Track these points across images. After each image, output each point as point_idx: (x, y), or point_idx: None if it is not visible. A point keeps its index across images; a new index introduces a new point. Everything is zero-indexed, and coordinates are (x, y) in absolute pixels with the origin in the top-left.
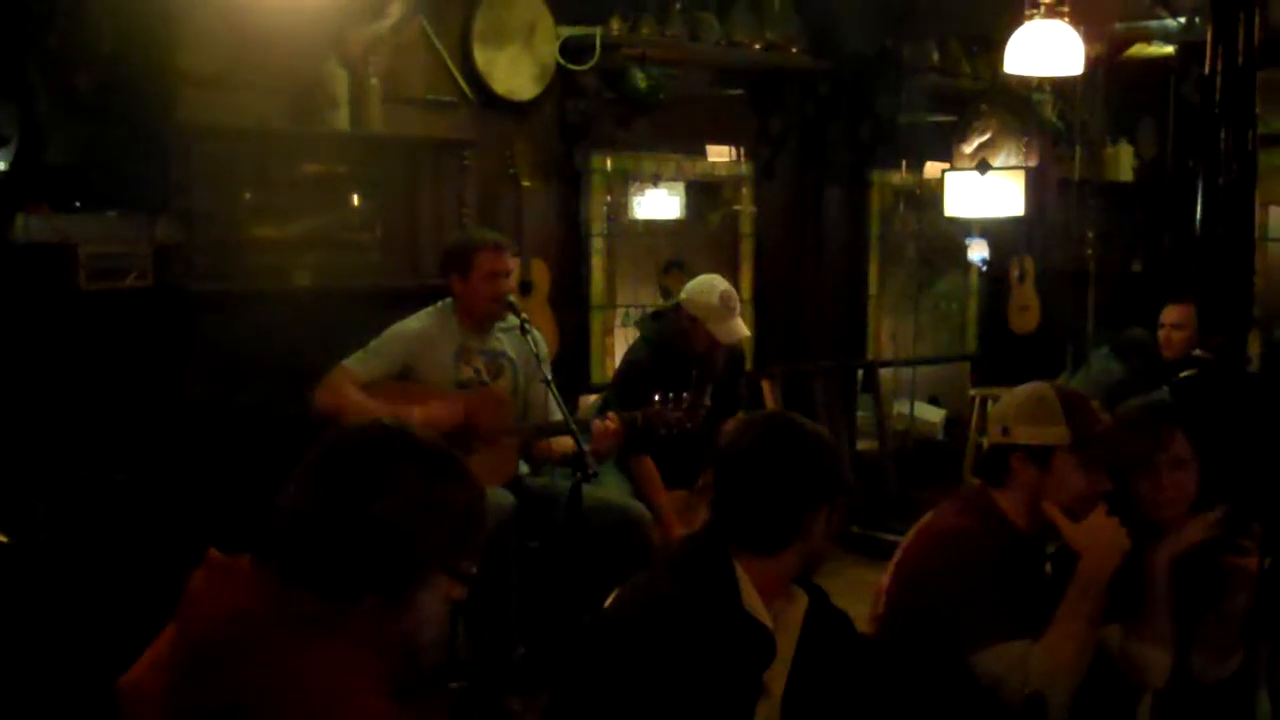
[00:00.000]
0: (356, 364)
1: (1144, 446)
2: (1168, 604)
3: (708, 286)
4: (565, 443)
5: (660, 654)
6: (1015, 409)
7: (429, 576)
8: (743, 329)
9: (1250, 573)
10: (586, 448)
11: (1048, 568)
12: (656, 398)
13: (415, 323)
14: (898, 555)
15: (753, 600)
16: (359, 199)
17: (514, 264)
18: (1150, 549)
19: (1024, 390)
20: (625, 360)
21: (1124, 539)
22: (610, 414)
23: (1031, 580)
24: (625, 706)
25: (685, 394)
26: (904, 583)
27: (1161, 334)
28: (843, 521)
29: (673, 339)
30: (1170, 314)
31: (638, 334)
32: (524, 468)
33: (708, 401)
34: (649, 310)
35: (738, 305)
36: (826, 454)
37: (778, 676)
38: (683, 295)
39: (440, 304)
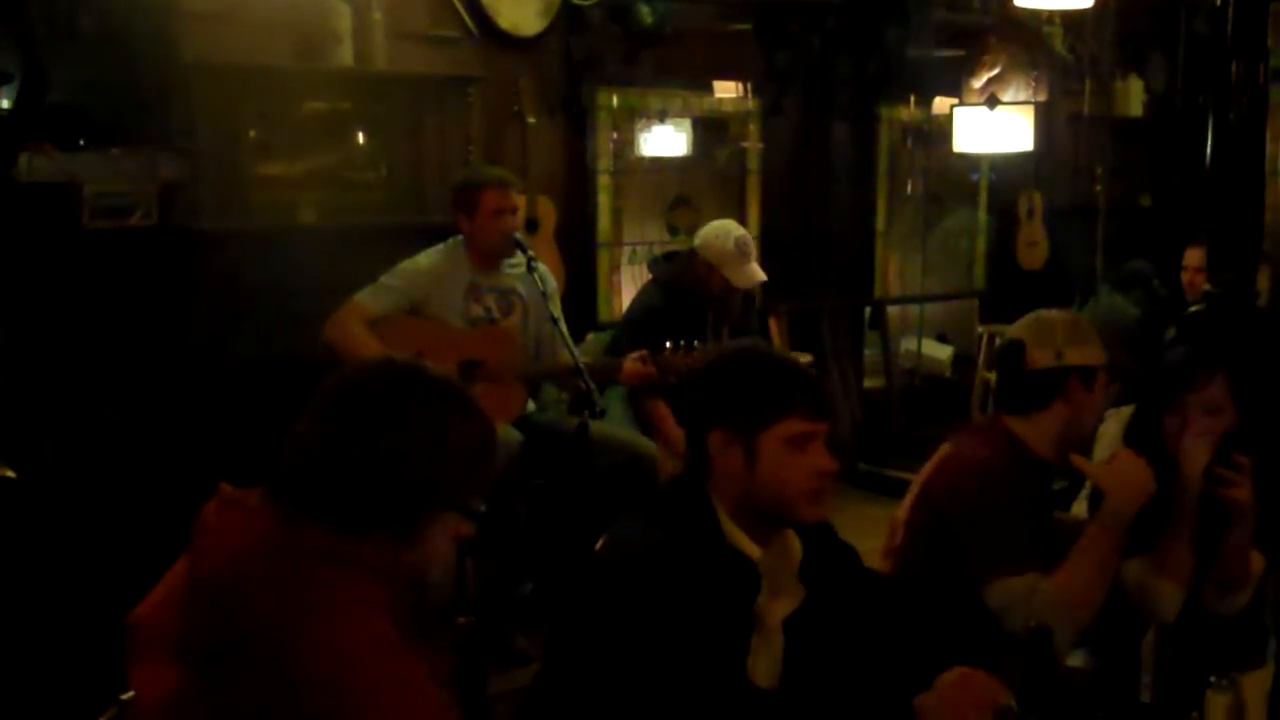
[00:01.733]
0: (368, 299)
1: (1176, 384)
2: (1191, 539)
3: (723, 232)
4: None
5: (647, 594)
6: (1064, 332)
7: (438, 513)
8: (759, 273)
9: (1248, 505)
10: (592, 386)
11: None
12: (668, 344)
13: (426, 259)
14: (916, 488)
15: (734, 533)
16: (363, 136)
17: (520, 201)
18: (1179, 485)
19: (1055, 315)
20: (637, 303)
21: (1150, 481)
22: (643, 353)
23: (1048, 512)
24: (618, 650)
25: (696, 341)
26: (926, 515)
27: (1185, 276)
28: (825, 460)
29: (687, 282)
30: (1193, 256)
31: (649, 276)
32: (531, 405)
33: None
34: (659, 251)
35: (753, 250)
36: (736, 376)
37: (777, 612)
38: (697, 241)
39: (451, 241)
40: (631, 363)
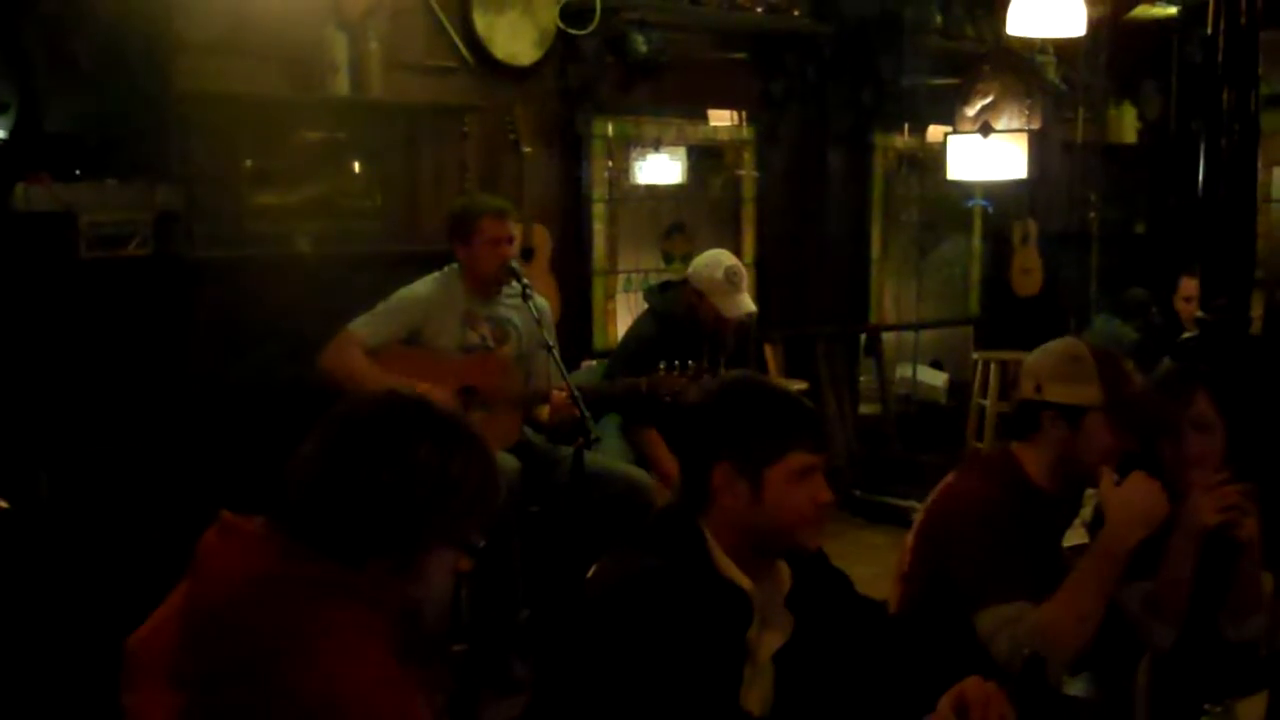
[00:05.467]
0: (363, 327)
1: (1168, 408)
2: (1188, 584)
3: (713, 261)
4: (543, 410)
5: (639, 624)
6: (1050, 366)
7: (437, 547)
8: (748, 304)
9: (1254, 538)
10: (586, 413)
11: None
12: (661, 365)
13: (422, 288)
14: (921, 515)
15: (726, 564)
16: (359, 165)
17: (516, 230)
18: (1174, 532)
19: (1059, 347)
20: (632, 332)
21: (1162, 508)
22: (561, 384)
23: (1049, 543)
24: (610, 679)
25: (690, 362)
26: (924, 544)
27: (1186, 307)
28: (823, 489)
29: (680, 312)
30: (1189, 286)
31: (645, 305)
32: (529, 431)
33: (721, 373)
34: (655, 281)
35: (744, 280)
36: (743, 409)
37: (769, 644)
38: (689, 270)
39: (447, 269)
40: (556, 393)
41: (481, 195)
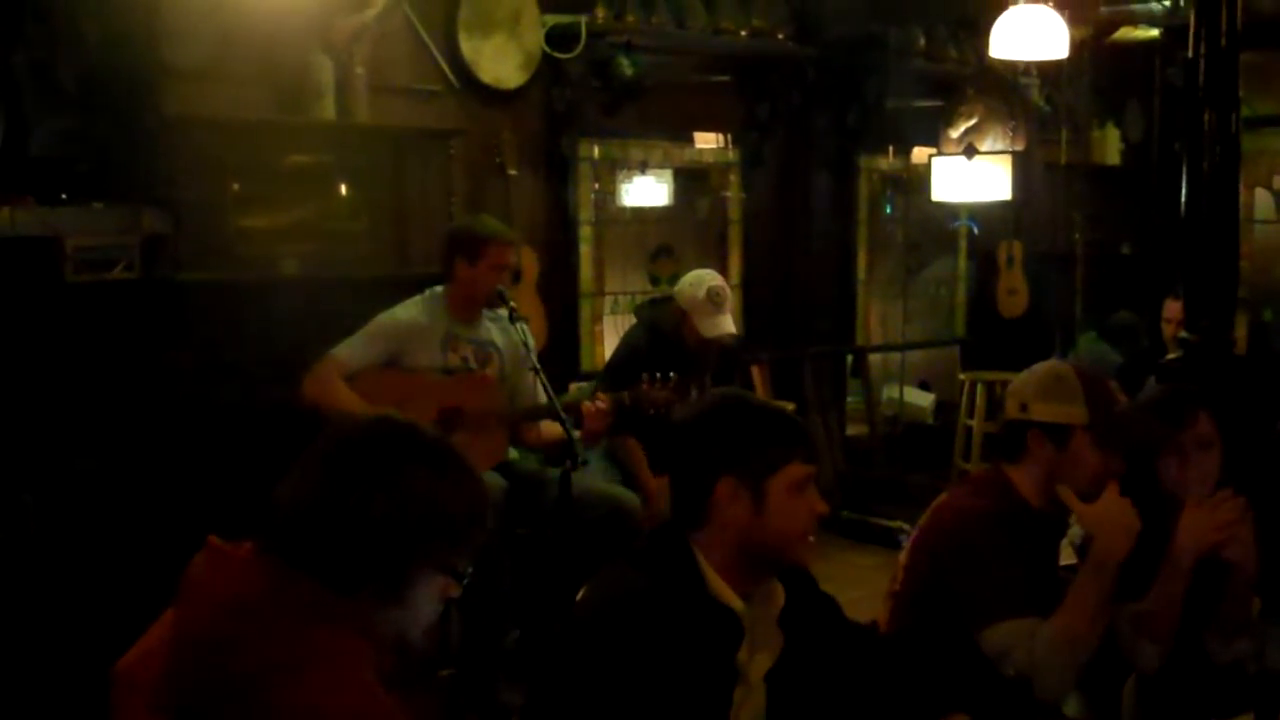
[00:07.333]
0: (344, 353)
1: (1169, 427)
2: (1178, 604)
3: (697, 281)
4: (553, 429)
5: (629, 645)
6: (1035, 386)
7: (426, 574)
8: (728, 325)
9: (1247, 558)
10: (575, 434)
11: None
12: (644, 377)
13: (403, 311)
14: (913, 534)
15: (718, 584)
16: (346, 189)
17: (514, 259)
18: (1171, 549)
19: (1044, 368)
20: (622, 344)
21: (1135, 520)
22: (600, 394)
23: (1045, 559)
24: (600, 701)
25: (672, 374)
26: (919, 561)
27: (1168, 329)
28: (819, 508)
29: (668, 326)
30: (1173, 309)
31: (635, 320)
32: (513, 453)
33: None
34: (647, 297)
35: (727, 301)
36: (742, 423)
37: (759, 665)
38: (675, 287)
39: (428, 292)
40: (589, 404)
41: (488, 218)
